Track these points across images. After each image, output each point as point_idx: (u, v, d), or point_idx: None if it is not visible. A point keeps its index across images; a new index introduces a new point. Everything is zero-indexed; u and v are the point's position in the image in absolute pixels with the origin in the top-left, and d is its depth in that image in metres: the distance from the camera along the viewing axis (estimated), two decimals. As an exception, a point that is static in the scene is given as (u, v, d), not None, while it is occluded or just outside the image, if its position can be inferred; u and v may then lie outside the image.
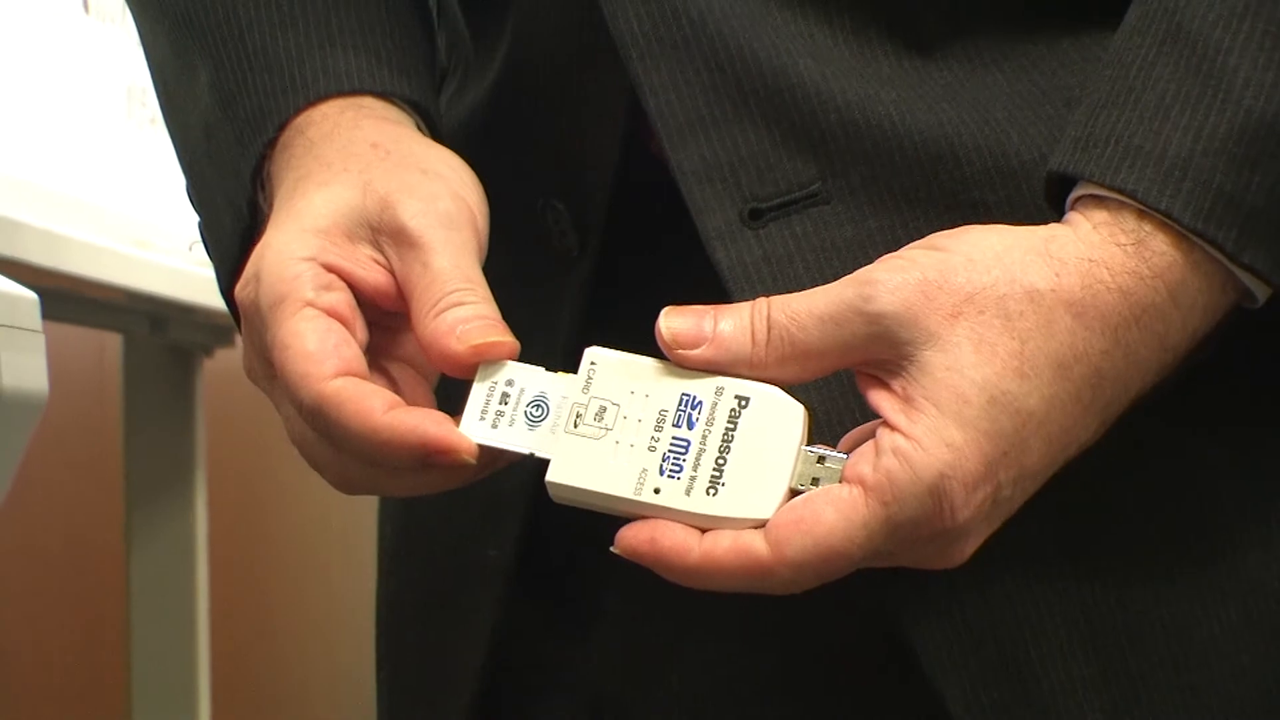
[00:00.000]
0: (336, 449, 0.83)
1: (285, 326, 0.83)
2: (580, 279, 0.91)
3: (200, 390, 2.37)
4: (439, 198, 0.86)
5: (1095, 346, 0.78)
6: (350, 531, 3.62)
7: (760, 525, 0.78)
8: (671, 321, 0.80)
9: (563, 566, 0.97)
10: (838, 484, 0.78)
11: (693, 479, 0.79)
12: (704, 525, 0.79)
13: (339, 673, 3.65)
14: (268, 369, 0.85)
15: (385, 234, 0.85)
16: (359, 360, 0.83)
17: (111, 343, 2.47)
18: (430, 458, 0.80)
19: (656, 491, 0.79)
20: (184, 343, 2.31)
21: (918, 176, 0.85)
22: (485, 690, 0.97)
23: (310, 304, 0.83)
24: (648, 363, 0.81)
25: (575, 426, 0.80)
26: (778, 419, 0.79)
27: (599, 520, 0.89)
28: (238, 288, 0.86)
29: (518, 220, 0.93)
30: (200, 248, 0.97)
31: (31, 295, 1.39)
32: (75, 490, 2.60)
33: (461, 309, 0.82)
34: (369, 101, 0.90)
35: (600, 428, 0.80)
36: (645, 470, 0.79)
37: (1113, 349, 0.79)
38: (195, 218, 0.97)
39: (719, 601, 0.90)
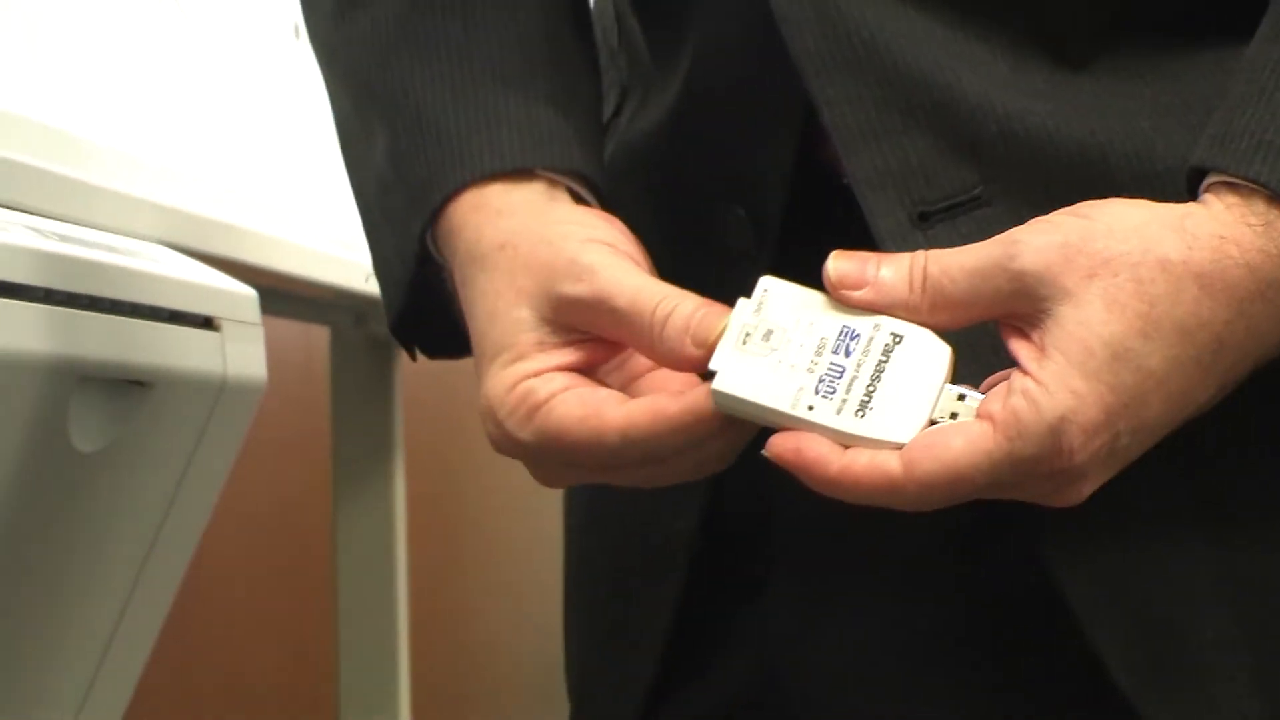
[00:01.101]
0: (658, 473, 0.86)
1: (547, 425, 0.85)
2: (757, 274, 0.91)
3: (399, 378, 2.40)
4: (581, 246, 0.87)
5: (1219, 316, 0.79)
6: (535, 504, 3.65)
7: (898, 448, 0.80)
8: (839, 263, 0.82)
9: (739, 537, 0.98)
10: (971, 419, 0.80)
11: (844, 401, 0.81)
12: (847, 443, 0.81)
13: (523, 623, 3.68)
14: (567, 466, 0.87)
15: (564, 316, 0.86)
16: (617, 394, 0.86)
17: (319, 335, 2.50)
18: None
19: (810, 409, 0.81)
20: (385, 336, 2.30)
21: (1070, 181, 0.86)
22: (668, 650, 0.99)
23: (550, 398, 0.85)
24: (814, 295, 0.83)
25: (744, 344, 0.82)
26: (926, 357, 0.81)
27: (773, 495, 0.92)
28: (491, 438, 0.88)
29: (697, 223, 0.95)
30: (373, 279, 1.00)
31: (251, 292, 1.44)
32: (287, 467, 2.64)
33: (671, 319, 0.84)
34: (510, 189, 0.92)
35: (767, 347, 0.82)
36: (802, 389, 0.81)
37: (1235, 319, 0.79)
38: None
39: (882, 564, 0.93)
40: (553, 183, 0.92)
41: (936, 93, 0.87)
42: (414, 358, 1.01)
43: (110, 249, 1.31)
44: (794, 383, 0.81)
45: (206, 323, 1.36)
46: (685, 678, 1.00)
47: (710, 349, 0.83)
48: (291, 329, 2.46)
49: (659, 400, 0.84)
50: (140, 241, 1.42)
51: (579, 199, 0.93)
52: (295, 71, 2.01)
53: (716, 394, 0.82)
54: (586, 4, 1.02)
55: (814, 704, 0.96)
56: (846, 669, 0.95)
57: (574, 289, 0.86)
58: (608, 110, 1.04)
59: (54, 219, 1.31)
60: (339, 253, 1.95)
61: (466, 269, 0.90)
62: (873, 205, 0.88)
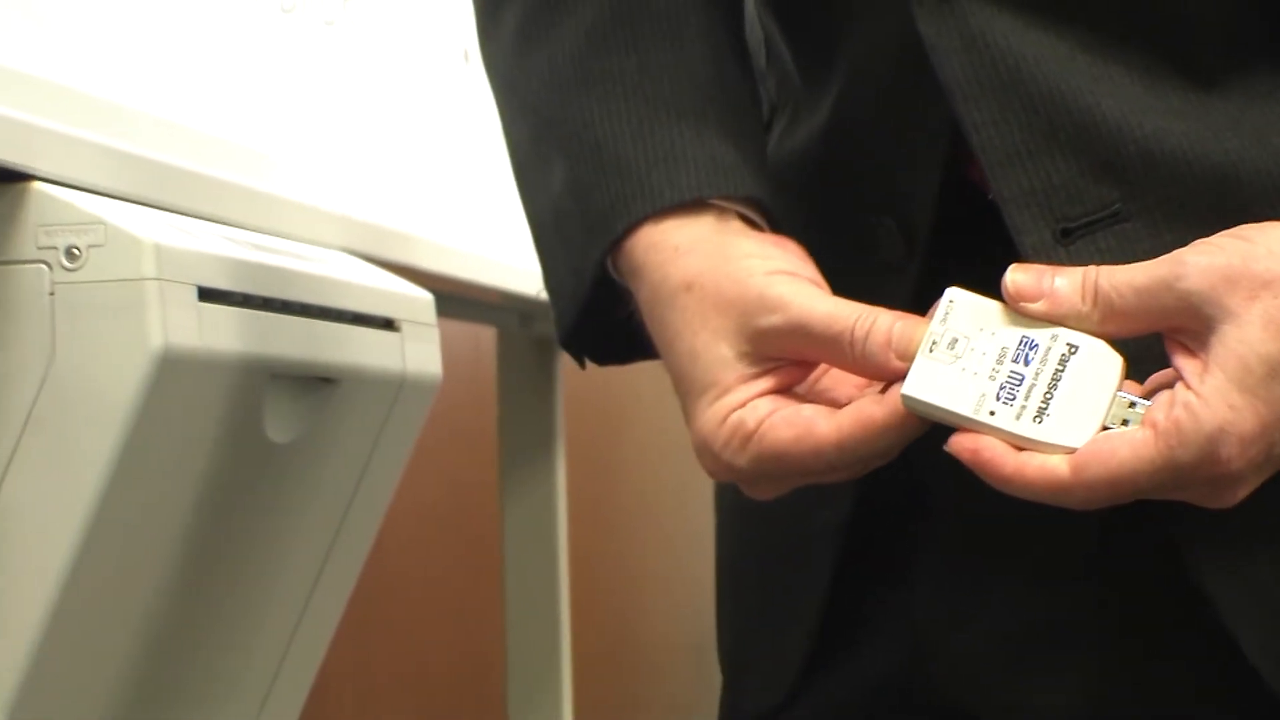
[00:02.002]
0: (872, 459, 0.87)
1: (765, 450, 0.86)
2: (908, 284, 0.93)
3: (560, 375, 2.42)
4: (769, 279, 0.87)
5: None
6: (686, 496, 3.65)
7: (1070, 453, 0.81)
8: (1016, 276, 0.83)
9: (888, 523, 0.98)
10: (1136, 426, 0.81)
11: (1023, 407, 0.82)
12: (1023, 445, 0.82)
13: (675, 604, 3.69)
14: (791, 480, 0.88)
15: (762, 348, 0.87)
16: (823, 410, 0.86)
17: (486, 335, 2.53)
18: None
19: (992, 414, 0.82)
20: (547, 335, 2.34)
21: (1207, 197, 0.86)
22: (819, 631, 0.99)
23: (759, 425, 0.86)
24: (994, 306, 0.84)
25: (930, 352, 0.83)
26: (1099, 366, 0.82)
27: (920, 484, 0.93)
28: (707, 469, 0.89)
29: (848, 236, 0.95)
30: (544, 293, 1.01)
31: (428, 296, 1.47)
32: (457, 457, 2.65)
33: (871, 336, 0.85)
34: (688, 224, 0.92)
35: (951, 355, 0.83)
36: (984, 395, 0.82)
37: None
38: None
39: (1024, 551, 0.92)
40: (724, 212, 0.92)
41: (1078, 115, 0.87)
42: (583, 366, 1.02)
43: (300, 257, 1.34)
44: (977, 389, 0.83)
45: (387, 324, 1.38)
46: (835, 658, 1.00)
47: (912, 359, 0.84)
48: (460, 330, 2.48)
49: (864, 408, 0.85)
50: (327, 250, 1.45)
51: (751, 223, 0.93)
52: (464, 93, 2.03)
53: (906, 398, 0.83)
54: (744, 34, 1.02)
55: (957, 685, 0.96)
56: (988, 652, 0.95)
57: (769, 321, 0.87)
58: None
59: (249, 230, 1.34)
60: (506, 259, 1.97)
61: (655, 309, 0.91)
62: (1018, 222, 0.88)
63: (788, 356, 0.87)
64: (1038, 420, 0.82)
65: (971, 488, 0.83)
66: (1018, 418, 0.82)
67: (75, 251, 1.10)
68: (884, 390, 0.85)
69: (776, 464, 0.86)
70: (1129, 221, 0.87)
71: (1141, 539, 0.90)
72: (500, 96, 1.03)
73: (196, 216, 1.27)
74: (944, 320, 0.84)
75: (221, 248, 1.21)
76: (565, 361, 2.44)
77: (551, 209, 0.96)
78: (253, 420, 1.24)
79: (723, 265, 0.89)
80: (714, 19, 0.98)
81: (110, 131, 1.26)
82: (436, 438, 2.38)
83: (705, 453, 0.88)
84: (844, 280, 0.89)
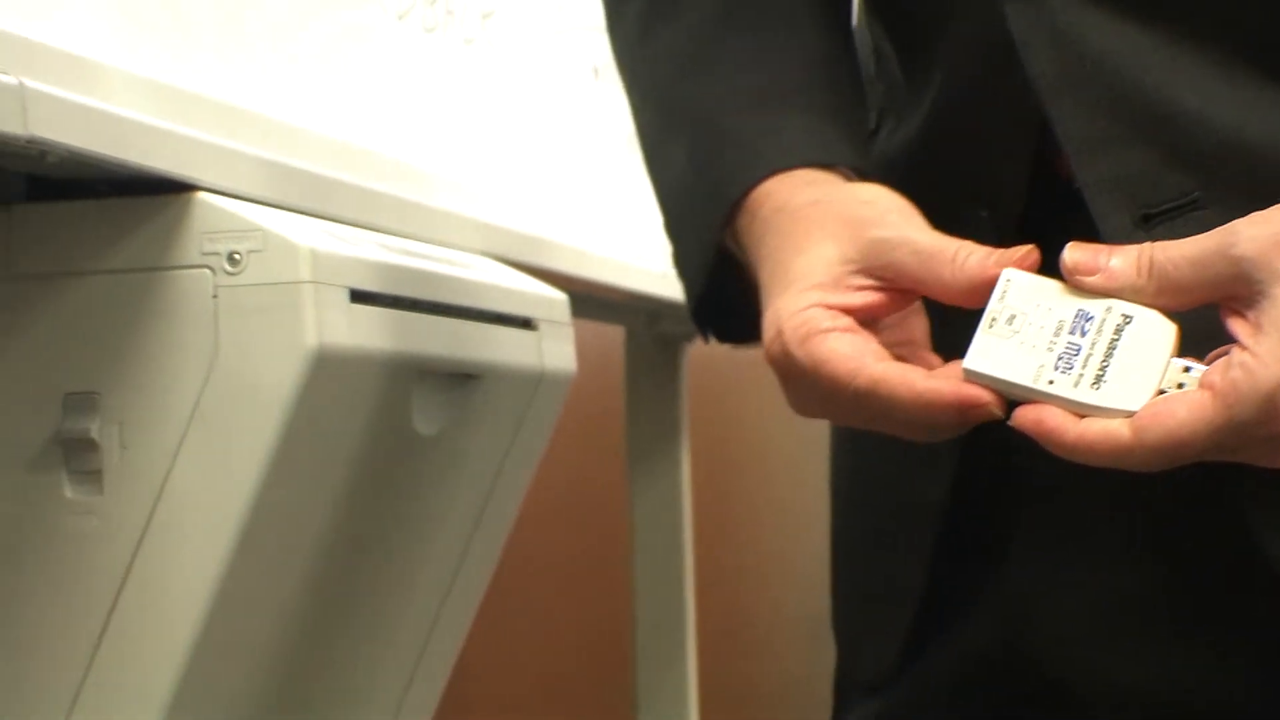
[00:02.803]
0: (895, 422, 0.85)
1: (819, 350, 0.85)
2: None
3: (685, 372, 2.42)
4: (885, 210, 0.89)
5: None
6: (804, 486, 3.64)
7: (1129, 416, 0.80)
8: (1074, 253, 0.83)
9: (985, 502, 0.98)
10: (1195, 389, 0.80)
11: (1080, 375, 0.81)
12: (1083, 412, 0.81)
13: (795, 588, 3.68)
14: (816, 396, 0.87)
15: (871, 261, 0.87)
16: (885, 352, 0.86)
17: (613, 333, 2.53)
18: (968, 412, 0.83)
19: (1050, 383, 0.81)
20: (672, 334, 2.35)
21: None
22: (921, 606, 0.99)
23: (829, 331, 0.85)
24: (1051, 284, 0.83)
25: (990, 328, 0.83)
26: (1154, 334, 0.82)
27: (1015, 464, 0.92)
28: (767, 346, 0.88)
29: (945, 225, 0.94)
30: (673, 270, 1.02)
31: (563, 297, 1.47)
32: (586, 450, 2.66)
33: (973, 253, 0.85)
34: (809, 173, 0.93)
35: (1010, 330, 0.83)
36: (1043, 366, 0.82)
37: None
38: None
39: (1114, 528, 0.92)
40: (835, 171, 0.93)
41: (1159, 106, 0.86)
42: (706, 340, 1.02)
43: (445, 261, 1.34)
44: (1035, 360, 0.82)
45: (525, 323, 1.39)
46: (937, 631, 1.00)
47: (1019, 260, 0.84)
48: (588, 328, 2.48)
49: (912, 372, 0.84)
50: (469, 254, 1.45)
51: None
52: (594, 107, 2.04)
53: (968, 371, 0.83)
54: (850, 28, 1.03)
55: (1050, 658, 0.96)
56: (1079, 626, 0.94)
57: (882, 231, 0.87)
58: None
59: (398, 236, 1.35)
60: (634, 261, 1.97)
61: (773, 220, 0.91)
62: (1100, 208, 0.87)
63: (888, 279, 0.87)
64: (1095, 387, 0.81)
65: (1062, 467, 0.82)
66: (1075, 385, 0.81)
67: (236, 257, 1.11)
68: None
69: (819, 371, 0.85)
70: (1206, 209, 0.86)
71: (1227, 512, 0.88)
72: (628, 84, 1.04)
73: (348, 224, 1.27)
74: (1002, 298, 0.83)
75: (372, 252, 1.21)
76: (691, 358, 2.44)
77: (678, 184, 0.98)
78: (401, 414, 1.24)
79: (850, 192, 0.91)
80: (825, 10, 0.99)
81: (268, 145, 1.27)
82: (566, 432, 2.39)
83: (773, 330, 0.87)
84: None
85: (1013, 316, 0.83)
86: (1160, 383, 0.81)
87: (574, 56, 2.02)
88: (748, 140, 0.95)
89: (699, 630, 2.41)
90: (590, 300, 1.96)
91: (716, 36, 0.98)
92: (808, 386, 0.87)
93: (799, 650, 3.71)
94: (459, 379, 1.30)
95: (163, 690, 1.12)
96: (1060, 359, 0.82)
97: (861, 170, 0.95)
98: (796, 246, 0.89)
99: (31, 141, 0.99)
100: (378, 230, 1.32)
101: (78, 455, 1.11)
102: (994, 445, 0.88)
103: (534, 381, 1.40)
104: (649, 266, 2.01)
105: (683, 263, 0.99)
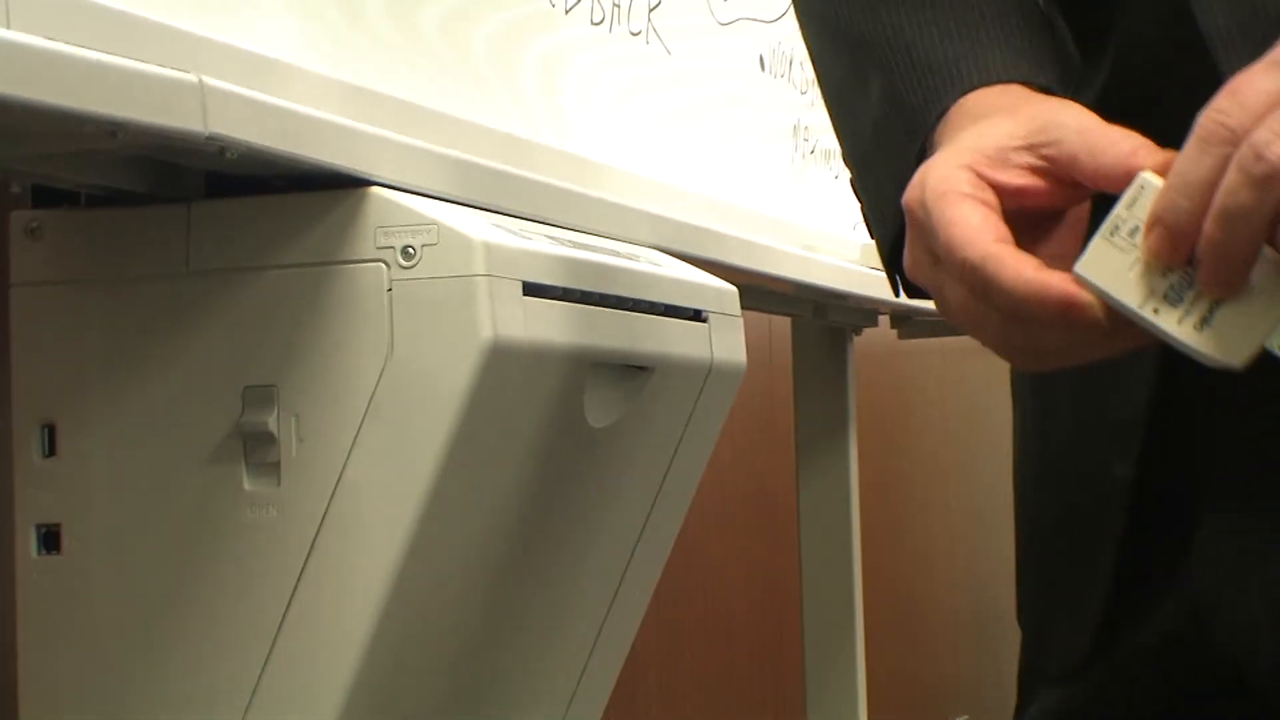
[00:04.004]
0: (992, 308, 0.82)
1: (951, 211, 0.83)
2: None
3: (852, 361, 2.41)
4: (1071, 107, 0.86)
5: None
6: (968, 470, 3.62)
7: (1226, 369, 0.76)
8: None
9: (1175, 487, 0.95)
10: None
11: (1187, 311, 0.77)
12: (1179, 349, 0.77)
13: (960, 575, 3.66)
14: (931, 256, 0.85)
15: (1039, 137, 0.84)
16: (1010, 237, 0.83)
17: (777, 324, 2.53)
18: (1070, 311, 0.79)
19: (1155, 311, 0.77)
20: (839, 324, 2.34)
21: None
22: (1113, 589, 0.97)
23: (969, 197, 0.83)
24: None
25: (1112, 235, 0.78)
26: (1273, 288, 0.77)
27: (1204, 448, 0.89)
28: (907, 192, 0.86)
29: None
30: (862, 229, 1.01)
31: (733, 289, 1.46)
32: (755, 440, 2.66)
33: (1130, 139, 0.82)
34: (1006, 88, 0.91)
35: (1131, 243, 0.78)
36: (1153, 290, 0.77)
37: None
38: (851, 218, 1.01)
39: None
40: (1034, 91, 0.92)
41: None
42: (897, 294, 1.00)
43: (615, 254, 1.34)
44: (1147, 283, 0.78)
45: (696, 315, 1.38)
46: (1128, 615, 0.97)
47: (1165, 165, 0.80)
48: (754, 320, 2.49)
49: (1026, 259, 0.81)
50: (639, 247, 1.45)
51: None
52: (762, 98, 2.04)
53: (1078, 275, 0.79)
54: None
55: (1236, 647, 0.93)
56: (1266, 616, 0.92)
57: (1061, 115, 0.85)
58: None
59: (569, 229, 1.35)
60: (801, 253, 1.96)
61: (962, 121, 0.90)
62: None
63: (1050, 159, 0.84)
64: (1199, 328, 0.77)
65: (1258, 443, 0.79)
66: (1180, 321, 0.77)
67: (411, 251, 1.11)
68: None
69: (943, 227, 0.83)
70: None
71: None
72: (815, 36, 1.04)
73: (521, 217, 1.27)
74: (1131, 205, 0.79)
75: (544, 246, 1.21)
76: (857, 347, 2.43)
77: (871, 124, 0.97)
78: (574, 406, 1.24)
79: (1036, 99, 0.89)
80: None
81: (441, 140, 1.27)
82: (734, 423, 2.39)
83: (919, 178, 0.86)
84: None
85: (1136, 229, 0.78)
86: (1268, 341, 0.76)
87: (740, 47, 2.02)
88: (945, 65, 0.93)
89: (866, 622, 2.39)
90: (757, 291, 1.95)
91: None
92: (926, 244, 0.84)
93: (966, 644, 3.68)
94: (630, 371, 1.30)
95: (339, 682, 1.13)
96: (1173, 288, 0.77)
97: (1053, 89, 0.93)
98: (975, 118, 0.88)
99: (211, 138, 1.00)
100: (548, 223, 1.32)
101: (256, 448, 1.12)
102: (1180, 418, 0.86)
103: (704, 373, 1.40)
104: (816, 257, 2.00)
105: (876, 207, 0.98)
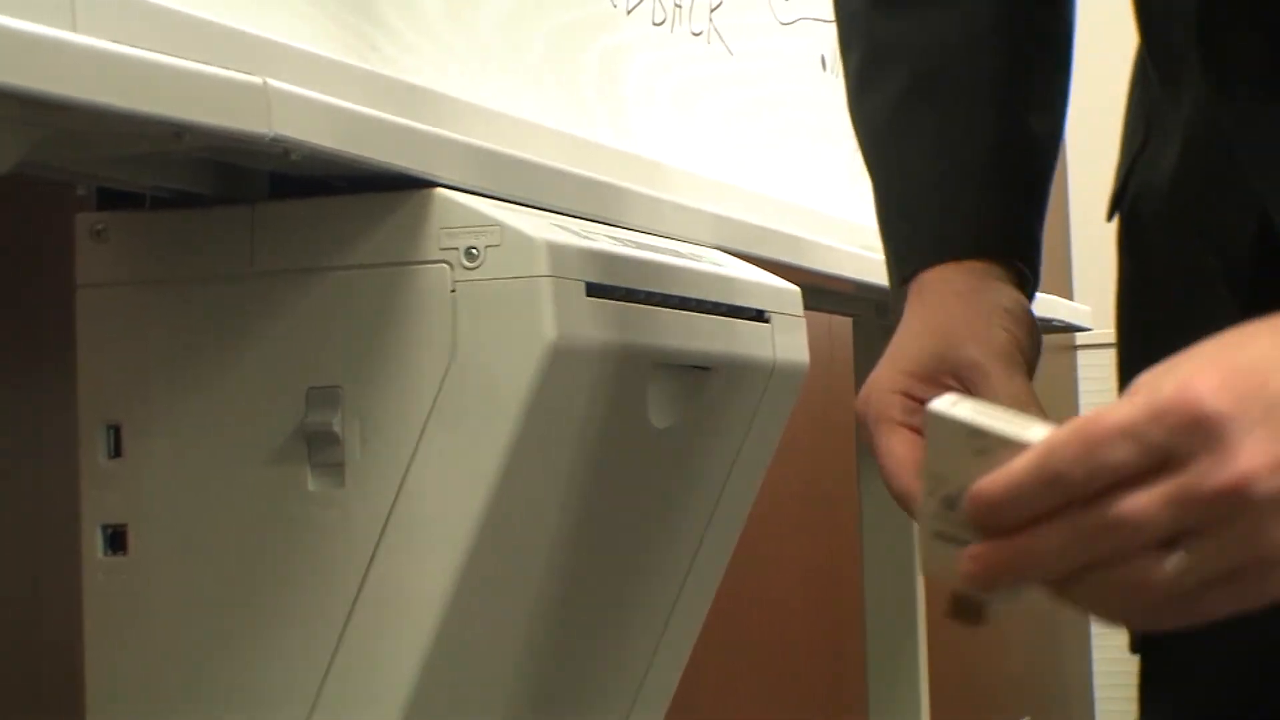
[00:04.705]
0: None
1: (883, 441, 0.93)
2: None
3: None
4: (995, 336, 0.94)
5: None
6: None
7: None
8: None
9: None
10: None
11: (943, 520, 0.75)
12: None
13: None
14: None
15: (958, 367, 0.94)
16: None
17: (838, 323, 2.52)
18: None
19: (928, 497, 0.75)
20: (900, 324, 2.34)
21: None
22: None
23: (901, 425, 0.92)
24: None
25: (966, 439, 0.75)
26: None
27: None
28: (858, 401, 0.96)
29: (1180, 264, 0.94)
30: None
31: (795, 289, 1.46)
32: (815, 440, 2.66)
33: (1013, 382, 0.93)
34: (967, 264, 0.99)
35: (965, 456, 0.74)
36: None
37: None
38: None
39: None
40: (991, 263, 1.00)
41: None
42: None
43: (678, 254, 1.34)
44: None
45: (758, 315, 1.38)
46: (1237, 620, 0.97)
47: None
48: (814, 319, 2.48)
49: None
50: (701, 247, 1.45)
51: (1020, 272, 1.01)
52: (822, 98, 2.03)
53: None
54: (1045, 92, 1.06)
55: None
56: None
57: (975, 353, 0.94)
58: (1135, 143, 1.04)
59: (630, 229, 1.35)
60: (862, 251, 1.95)
61: (922, 292, 1.00)
62: None
63: (964, 383, 0.94)
64: (934, 537, 0.75)
65: None
66: (930, 518, 0.75)
67: (474, 252, 1.11)
68: None
69: (876, 452, 0.94)
70: None
71: None
72: (852, 125, 1.12)
73: (583, 218, 1.27)
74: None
75: (606, 246, 1.21)
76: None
77: (878, 221, 1.08)
78: (637, 406, 1.24)
79: (980, 300, 0.97)
80: (1009, 79, 1.03)
81: (503, 140, 1.27)
82: (795, 424, 2.38)
83: (864, 391, 0.96)
84: (1199, 282, 0.91)
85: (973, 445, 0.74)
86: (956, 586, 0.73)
87: (801, 47, 2.01)
88: (922, 222, 1.02)
89: (929, 623, 2.38)
90: (818, 291, 1.94)
91: (906, 112, 1.04)
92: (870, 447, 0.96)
93: (1031, 644, 3.66)
94: (692, 372, 1.30)
95: (403, 683, 1.13)
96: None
97: (1016, 261, 1.00)
98: (915, 323, 0.98)
99: (275, 140, 1.00)
100: (610, 224, 1.32)
101: (320, 449, 1.13)
102: None
103: (767, 374, 1.39)
104: (877, 256, 1.98)
105: (888, 270, 1.08)
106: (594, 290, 1.15)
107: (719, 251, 1.47)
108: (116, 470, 1.16)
